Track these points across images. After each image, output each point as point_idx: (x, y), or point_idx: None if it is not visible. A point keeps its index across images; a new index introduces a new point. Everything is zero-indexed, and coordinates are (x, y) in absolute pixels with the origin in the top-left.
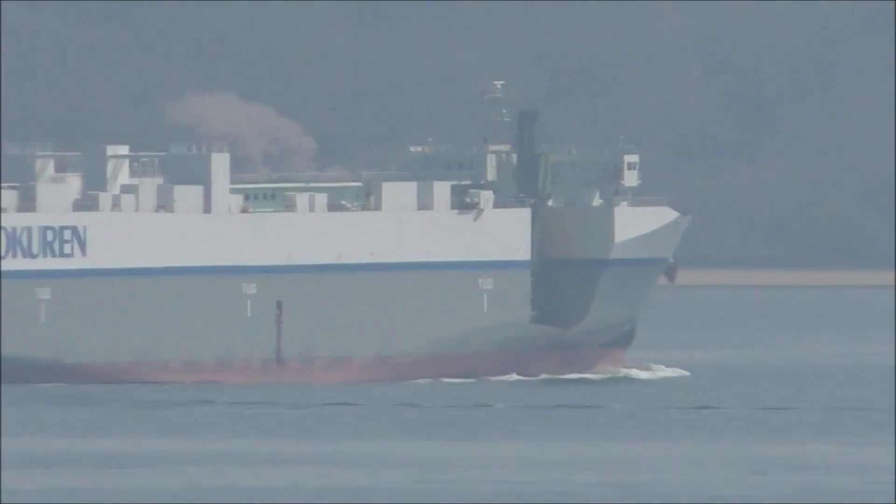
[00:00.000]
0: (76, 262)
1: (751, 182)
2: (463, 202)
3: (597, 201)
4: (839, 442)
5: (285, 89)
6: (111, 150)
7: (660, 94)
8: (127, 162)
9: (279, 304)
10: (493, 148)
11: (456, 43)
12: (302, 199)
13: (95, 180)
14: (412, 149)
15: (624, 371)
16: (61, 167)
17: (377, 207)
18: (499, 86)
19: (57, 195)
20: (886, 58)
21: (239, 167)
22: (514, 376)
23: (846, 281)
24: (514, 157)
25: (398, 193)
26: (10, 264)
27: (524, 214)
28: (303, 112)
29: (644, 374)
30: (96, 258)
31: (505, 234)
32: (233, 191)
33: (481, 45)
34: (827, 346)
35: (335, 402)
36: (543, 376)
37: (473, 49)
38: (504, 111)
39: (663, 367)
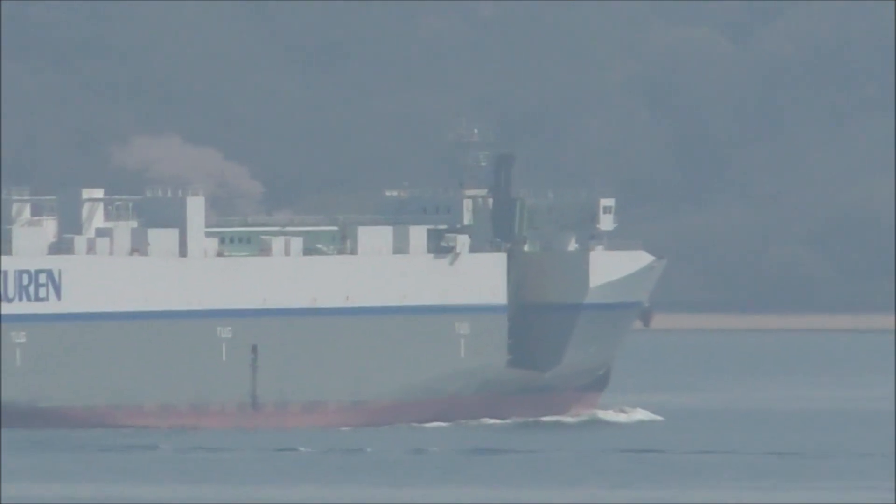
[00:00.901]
0: (52, 307)
1: (699, 226)
2: (439, 246)
3: (572, 245)
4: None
5: (232, 133)
6: (86, 193)
7: (609, 138)
8: (102, 205)
9: (254, 349)
10: (469, 192)
11: (407, 87)
12: (277, 243)
13: (71, 224)
14: (387, 193)
15: (599, 414)
16: (37, 211)
17: (353, 251)
18: (475, 131)
19: (32, 239)
20: (831, 103)
21: None
22: (488, 420)
23: (793, 325)
24: (490, 201)
25: (374, 237)
26: None
27: (500, 259)
28: (250, 156)
29: (619, 418)
30: (71, 302)
31: (481, 278)
32: (208, 234)
33: (429, 88)
34: (796, 390)
35: (289, 447)
36: (514, 419)
37: (422, 92)
38: (480, 156)
39: (639, 410)
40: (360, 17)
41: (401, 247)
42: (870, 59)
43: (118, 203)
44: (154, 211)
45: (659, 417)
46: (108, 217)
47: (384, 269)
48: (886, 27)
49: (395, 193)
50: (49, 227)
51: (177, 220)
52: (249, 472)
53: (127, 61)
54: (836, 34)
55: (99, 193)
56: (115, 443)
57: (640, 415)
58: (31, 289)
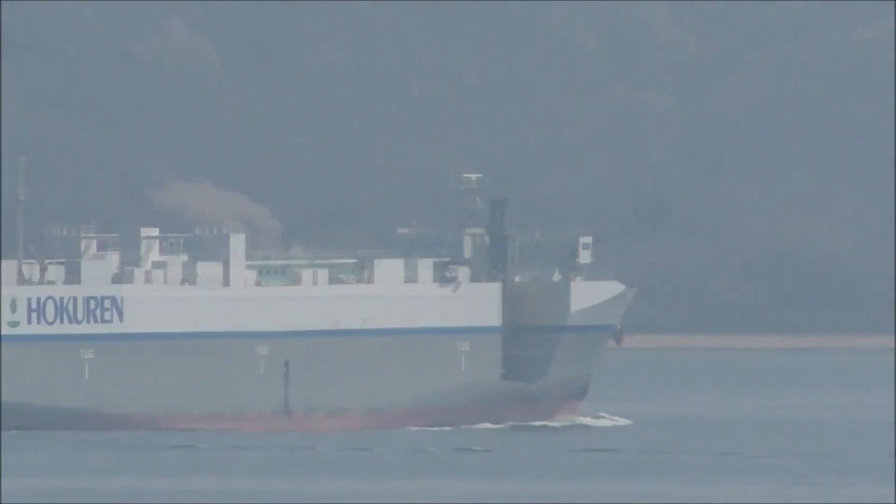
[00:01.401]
0: (115, 328)
1: (653, 261)
2: (443, 276)
3: (556, 277)
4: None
5: (255, 179)
6: (144, 231)
7: (576, 185)
8: (157, 242)
9: (286, 364)
10: (468, 231)
11: (404, 140)
12: (307, 274)
13: (131, 257)
14: (399, 230)
15: (579, 419)
16: (102, 246)
17: (370, 281)
18: (473, 178)
19: (98, 270)
20: (766, 155)
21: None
22: (486, 424)
23: (734, 344)
24: (487, 238)
25: (388, 269)
26: (59, 329)
27: (495, 287)
28: (271, 199)
29: (595, 422)
30: (132, 324)
31: (479, 304)
32: (248, 266)
33: (423, 141)
34: (746, 399)
35: (310, 446)
36: (510, 423)
37: (417, 145)
38: (478, 199)
39: (609, 416)
40: (360, 80)
41: (411, 277)
42: (802, 116)
43: (171, 240)
44: (201, 246)
45: (628, 421)
46: (162, 252)
47: (397, 296)
48: (817, 87)
49: (405, 231)
50: (113, 260)
51: (221, 255)
52: (276, 466)
53: (163, 119)
54: (771, 94)
55: (154, 232)
56: (165, 443)
57: (613, 420)
58: (98, 312)
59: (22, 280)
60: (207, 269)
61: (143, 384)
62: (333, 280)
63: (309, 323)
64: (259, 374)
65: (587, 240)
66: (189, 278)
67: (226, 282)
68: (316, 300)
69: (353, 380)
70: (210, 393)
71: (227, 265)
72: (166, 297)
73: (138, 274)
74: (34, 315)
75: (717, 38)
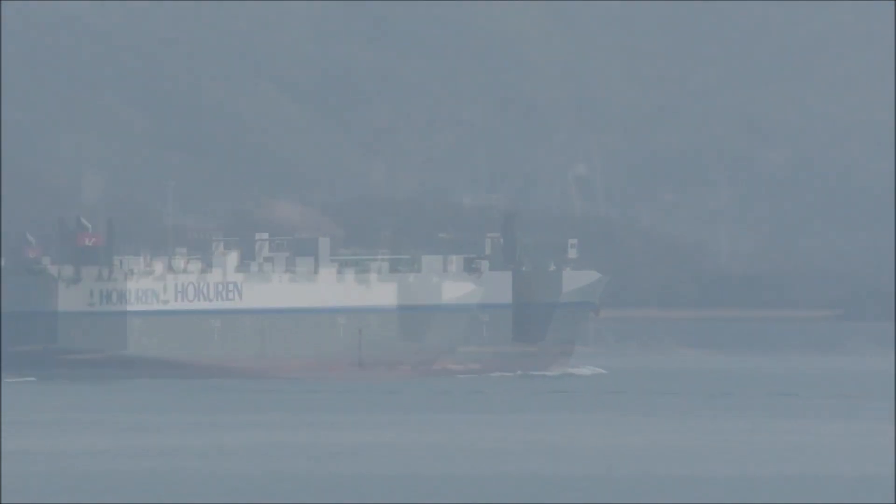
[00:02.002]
0: (236, 304)
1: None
2: (470, 268)
3: (552, 268)
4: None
5: (325, 200)
6: (258, 235)
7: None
8: (267, 243)
9: (360, 330)
10: (489, 235)
11: (428, 170)
12: (374, 266)
13: (248, 254)
14: (441, 235)
15: (568, 370)
16: (227, 246)
17: (419, 271)
18: (493, 197)
19: (225, 263)
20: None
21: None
22: (500, 373)
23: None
24: (502, 240)
25: (432, 263)
26: (196, 305)
27: (508, 276)
28: (337, 214)
29: (580, 371)
30: (248, 302)
31: (496, 287)
32: (332, 260)
33: (443, 171)
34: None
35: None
36: (519, 372)
37: (436, 174)
38: (496, 213)
39: (592, 367)
40: (398, 116)
41: (447, 269)
42: (726, 166)
43: (277, 241)
44: (299, 246)
45: (603, 371)
46: (271, 250)
47: (437, 282)
48: (737, 135)
49: (444, 235)
50: (234, 257)
51: (313, 252)
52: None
53: (259, 155)
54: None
55: (265, 236)
56: (267, 387)
57: (592, 370)
58: (224, 293)
59: (171, 270)
60: (303, 263)
61: (258, 345)
62: (393, 270)
63: (376, 302)
64: (339, 337)
65: (574, 241)
66: (290, 269)
67: (316, 272)
68: (381, 285)
69: (406, 342)
70: (305, 351)
71: (316, 260)
72: (273, 282)
73: (253, 266)
74: (179, 295)
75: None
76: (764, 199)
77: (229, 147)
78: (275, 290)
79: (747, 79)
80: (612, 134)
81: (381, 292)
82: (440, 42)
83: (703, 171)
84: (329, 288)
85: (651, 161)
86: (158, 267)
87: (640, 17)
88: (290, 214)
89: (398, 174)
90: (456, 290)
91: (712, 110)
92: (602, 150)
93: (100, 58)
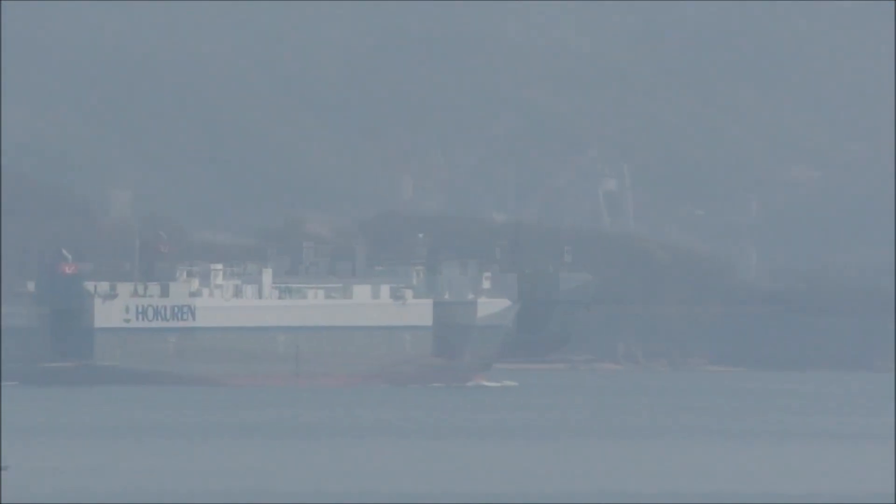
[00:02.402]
0: (189, 324)
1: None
2: (396, 294)
3: (469, 296)
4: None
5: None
6: (213, 266)
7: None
8: (221, 272)
9: (297, 346)
10: (414, 267)
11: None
12: (311, 293)
13: (205, 281)
14: (376, 268)
15: (483, 383)
16: (190, 274)
17: (350, 297)
18: (421, 236)
19: (181, 289)
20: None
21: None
22: (416, 385)
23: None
24: (424, 272)
25: (361, 291)
26: (154, 324)
27: (429, 303)
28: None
29: (492, 384)
30: (201, 322)
31: (418, 312)
32: (273, 286)
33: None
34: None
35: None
36: (438, 384)
37: (451, 199)
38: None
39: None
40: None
41: (376, 295)
42: None
43: (229, 271)
44: (247, 275)
45: (515, 384)
46: (225, 278)
47: (366, 306)
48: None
49: (379, 268)
50: (194, 283)
51: (257, 280)
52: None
53: (289, 172)
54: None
55: (219, 266)
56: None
57: (503, 384)
58: (180, 314)
59: (135, 294)
60: (248, 289)
61: (209, 357)
62: (328, 297)
63: (313, 322)
64: (279, 353)
65: (488, 273)
66: (238, 294)
67: (259, 296)
68: (316, 308)
69: (338, 357)
70: (249, 364)
71: (260, 287)
72: (222, 306)
73: (205, 292)
74: (140, 315)
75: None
76: (792, 214)
77: (260, 164)
78: (223, 312)
79: (776, 95)
80: (641, 150)
81: (318, 315)
82: (469, 59)
83: (731, 186)
84: (271, 310)
85: (680, 177)
86: (122, 291)
87: (670, 34)
88: (320, 229)
89: (425, 190)
90: (383, 313)
91: (741, 126)
92: (631, 167)
93: (136, 75)
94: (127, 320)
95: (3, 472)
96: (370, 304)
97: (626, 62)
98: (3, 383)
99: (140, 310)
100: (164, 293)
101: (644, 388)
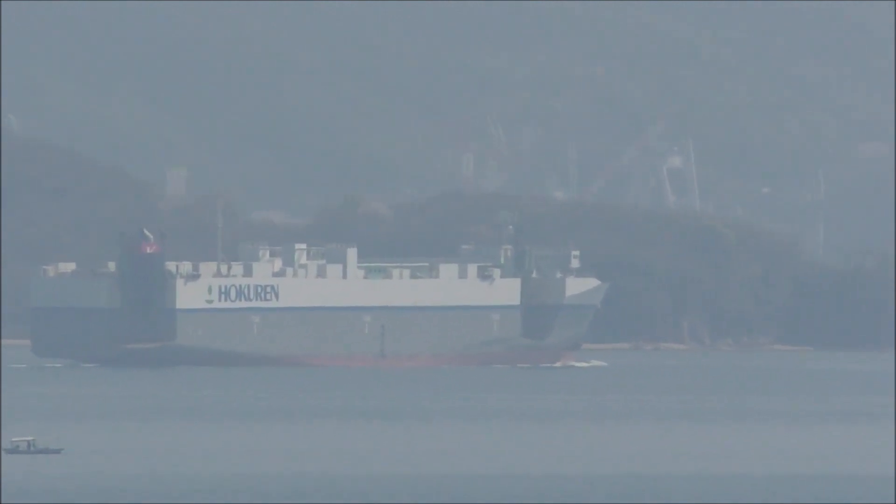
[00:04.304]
0: (273, 304)
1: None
2: (484, 275)
3: (557, 275)
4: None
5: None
6: (297, 246)
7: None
8: (305, 252)
9: (383, 327)
10: (503, 248)
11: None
12: (396, 272)
13: (288, 261)
14: (464, 247)
15: (572, 363)
16: (273, 254)
17: (437, 277)
18: (508, 216)
19: (264, 269)
20: None
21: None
22: (501, 365)
23: None
24: (513, 252)
25: (448, 270)
26: (236, 304)
27: (517, 282)
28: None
29: (582, 364)
30: (284, 302)
31: (506, 291)
32: (359, 267)
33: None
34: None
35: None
36: (527, 365)
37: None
38: (510, 227)
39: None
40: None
41: (463, 275)
42: None
43: (314, 251)
44: (331, 254)
45: (604, 364)
46: (308, 258)
47: (453, 286)
48: None
49: (466, 247)
50: (277, 263)
51: (342, 260)
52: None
53: (346, 151)
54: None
55: (303, 246)
56: (295, 376)
57: (593, 364)
58: (263, 294)
59: (218, 274)
60: (333, 269)
61: (292, 337)
62: (414, 276)
63: (397, 302)
64: (364, 332)
65: (576, 253)
66: (322, 274)
67: (344, 276)
68: (402, 288)
69: (424, 337)
70: (334, 343)
71: (345, 266)
72: (305, 285)
73: (289, 272)
74: (223, 296)
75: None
76: (861, 191)
77: (318, 146)
78: (307, 291)
79: (846, 69)
80: (706, 126)
81: (403, 294)
82: (532, 34)
83: (799, 163)
84: (356, 290)
85: (746, 153)
86: (204, 271)
87: (736, 7)
88: (378, 209)
89: (487, 168)
90: (470, 292)
91: (810, 101)
92: (697, 143)
93: (190, 52)
94: (209, 301)
95: (56, 455)
96: (457, 284)
97: (692, 36)
98: (83, 365)
99: (223, 290)
100: (248, 273)
101: (718, 369)
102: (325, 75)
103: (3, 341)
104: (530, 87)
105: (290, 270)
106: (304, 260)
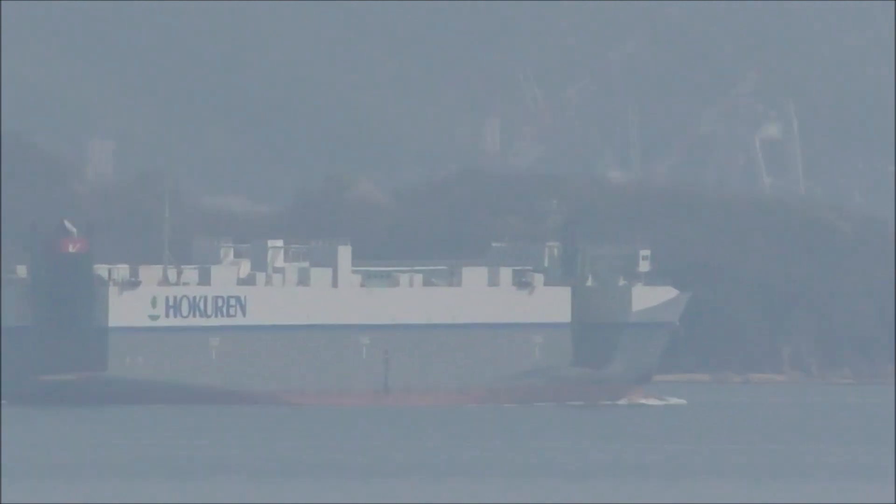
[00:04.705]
0: (239, 321)
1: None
2: (521, 282)
3: (621, 282)
4: None
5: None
6: (271, 243)
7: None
8: (281, 251)
9: (386, 352)
10: (547, 245)
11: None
12: (404, 278)
13: (259, 264)
14: (495, 244)
15: (641, 400)
16: (238, 254)
17: (458, 284)
18: (555, 203)
19: (227, 275)
20: None
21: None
22: (552, 403)
23: None
24: (561, 251)
25: (473, 275)
26: (190, 322)
27: (566, 291)
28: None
29: (652, 402)
30: (253, 318)
31: (551, 304)
32: (354, 272)
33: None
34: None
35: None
36: (575, 402)
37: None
38: (557, 219)
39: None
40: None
41: (493, 282)
42: None
43: (293, 250)
44: (317, 254)
45: (683, 401)
46: (286, 259)
47: (480, 297)
48: None
49: (499, 245)
50: (245, 267)
51: (332, 262)
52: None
53: (335, 120)
54: None
55: (279, 243)
56: (277, 415)
57: (667, 400)
58: (225, 308)
59: (164, 282)
60: (320, 274)
61: (261, 367)
62: (427, 283)
63: (405, 318)
64: (362, 358)
65: (646, 252)
66: (304, 281)
67: (335, 284)
68: (411, 299)
69: (442, 366)
70: (320, 374)
71: (335, 270)
72: (282, 296)
73: (260, 278)
74: (171, 310)
75: None
76: None
77: (294, 112)
78: (284, 304)
79: None
80: (812, 84)
81: (413, 308)
82: None
83: None
84: (350, 303)
85: (863, 120)
86: (145, 277)
87: None
88: (372, 194)
89: (517, 139)
90: (502, 307)
91: None
92: (800, 106)
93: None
94: (153, 317)
95: None
96: (486, 294)
97: None
98: None
99: (171, 303)
100: (205, 280)
101: (832, 410)
102: (297, 18)
103: None
104: (577, 32)
105: (261, 276)
106: (280, 262)
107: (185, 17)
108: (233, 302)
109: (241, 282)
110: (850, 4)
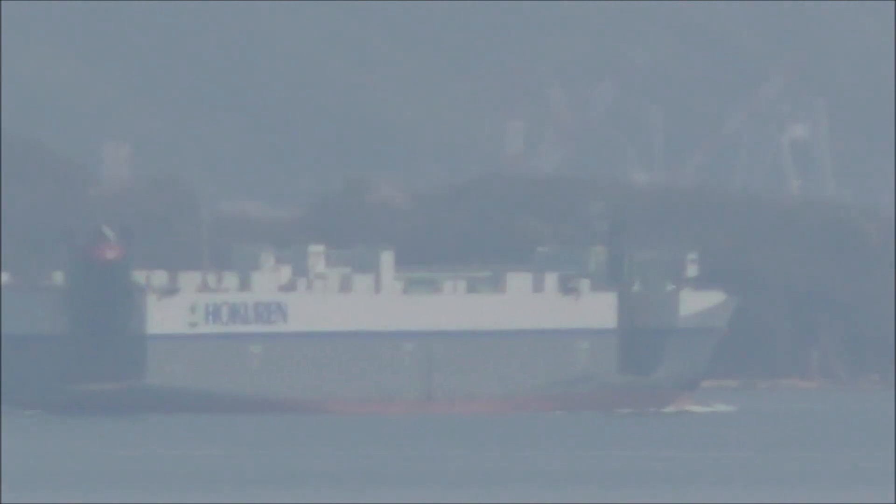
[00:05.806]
0: (280, 328)
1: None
2: (567, 287)
3: (668, 287)
4: None
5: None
6: (312, 248)
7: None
8: (323, 256)
9: (430, 359)
10: (593, 249)
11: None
12: (447, 284)
13: (300, 269)
14: (539, 249)
15: (688, 407)
16: (280, 260)
17: (502, 290)
18: (600, 206)
19: (268, 281)
20: None
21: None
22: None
23: None
24: (607, 255)
25: (518, 281)
26: (230, 329)
27: (612, 297)
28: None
29: (700, 409)
30: (295, 325)
31: (598, 310)
32: (395, 278)
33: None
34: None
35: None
36: (624, 410)
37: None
38: (605, 223)
39: (720, 404)
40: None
41: (538, 288)
42: None
43: (335, 255)
44: (359, 260)
45: (731, 408)
46: (328, 264)
47: (524, 303)
48: None
49: (543, 249)
50: (286, 272)
51: (374, 267)
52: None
53: (356, 121)
54: None
55: (320, 248)
56: (321, 427)
57: (715, 408)
58: (266, 315)
59: (204, 288)
60: (362, 280)
61: (304, 375)
62: (471, 290)
63: (448, 325)
64: (405, 366)
65: (693, 256)
66: (346, 287)
67: (377, 289)
68: (454, 306)
69: (486, 373)
70: (363, 382)
71: (378, 276)
72: (324, 303)
73: (301, 284)
74: (211, 317)
75: None
76: None
77: (312, 114)
78: (327, 311)
79: None
80: (842, 82)
81: (456, 315)
82: None
83: None
84: (393, 309)
85: (892, 123)
86: (184, 284)
87: None
88: (393, 197)
89: (541, 142)
90: (547, 312)
91: None
92: (829, 105)
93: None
94: (193, 324)
95: None
96: (531, 300)
97: None
98: (23, 412)
99: (211, 309)
100: (245, 286)
101: (864, 416)
102: (316, 20)
103: None
104: (601, 31)
105: (302, 282)
106: (321, 267)
107: (201, 19)
108: (274, 308)
109: (283, 288)
110: (881, 4)
